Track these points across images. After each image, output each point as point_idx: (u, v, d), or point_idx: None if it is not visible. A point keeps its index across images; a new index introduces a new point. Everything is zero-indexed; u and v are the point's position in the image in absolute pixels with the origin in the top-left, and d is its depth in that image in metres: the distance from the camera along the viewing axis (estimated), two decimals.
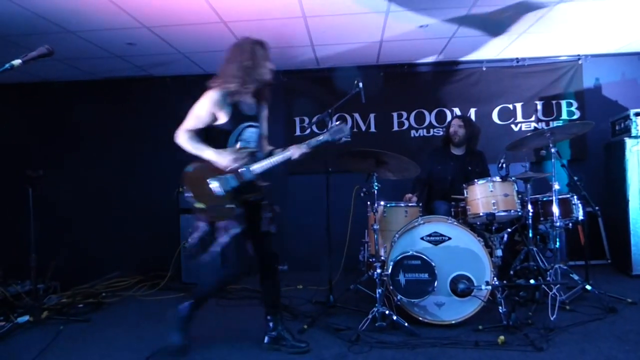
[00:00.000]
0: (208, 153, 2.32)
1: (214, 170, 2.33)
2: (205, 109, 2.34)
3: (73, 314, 3.35)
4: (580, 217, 3.42)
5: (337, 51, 4.31)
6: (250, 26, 3.60)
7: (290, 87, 4.91)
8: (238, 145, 2.37)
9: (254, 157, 2.41)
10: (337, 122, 2.50)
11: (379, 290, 2.79)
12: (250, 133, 2.44)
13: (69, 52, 3.99)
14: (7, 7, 3.06)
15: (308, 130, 4.89)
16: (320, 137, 2.47)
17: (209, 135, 2.43)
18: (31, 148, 4.95)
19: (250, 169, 2.36)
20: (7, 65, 1.75)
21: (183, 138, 2.36)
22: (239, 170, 2.34)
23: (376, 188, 3.04)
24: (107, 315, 3.43)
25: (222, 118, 2.35)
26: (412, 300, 2.77)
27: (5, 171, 4.72)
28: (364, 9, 3.35)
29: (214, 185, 2.32)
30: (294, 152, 2.43)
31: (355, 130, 4.85)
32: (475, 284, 2.74)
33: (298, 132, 4.93)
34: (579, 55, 4.62)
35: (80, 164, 4.94)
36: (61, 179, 4.59)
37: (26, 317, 3.10)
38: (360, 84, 3.21)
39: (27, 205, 3.22)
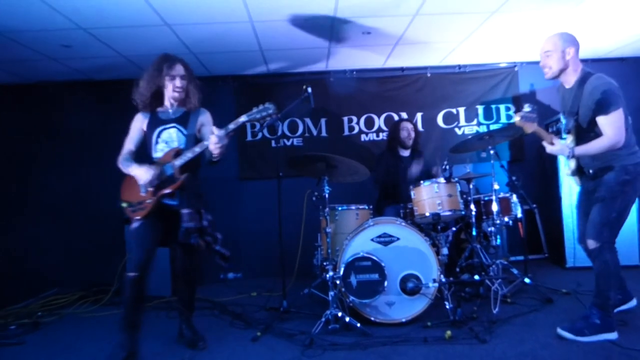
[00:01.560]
0: (133, 170, 2.52)
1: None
2: (133, 129, 2.66)
3: (4, 336, 3.09)
4: (519, 215, 3.64)
5: (286, 56, 4.32)
6: (197, 30, 3.54)
7: (241, 92, 4.86)
8: (159, 147, 2.55)
9: (179, 154, 2.51)
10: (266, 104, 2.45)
11: (332, 293, 2.82)
12: (169, 133, 2.58)
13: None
14: None
15: (259, 135, 4.87)
16: (240, 119, 2.47)
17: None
18: None
19: (174, 163, 2.48)
20: None
21: (119, 162, 2.60)
22: (161, 169, 2.49)
23: (327, 192, 3.08)
24: (43, 336, 3.19)
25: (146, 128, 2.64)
26: (364, 301, 2.82)
27: None
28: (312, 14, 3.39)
29: (141, 184, 2.51)
30: (212, 139, 2.38)
31: (307, 135, 4.88)
32: (424, 282, 2.84)
33: (249, 137, 4.88)
34: (515, 62, 4.92)
35: (18, 169, 4.63)
36: None
37: None
38: (309, 89, 3.25)
39: None
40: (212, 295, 4.00)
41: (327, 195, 3.10)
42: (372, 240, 2.90)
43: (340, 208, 3.46)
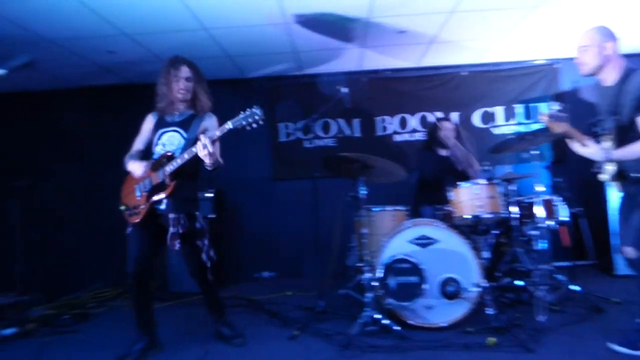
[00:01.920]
0: (130, 165, 2.56)
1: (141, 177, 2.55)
2: (143, 129, 2.71)
3: (60, 325, 3.26)
4: (565, 218, 3.48)
5: (320, 57, 4.32)
6: (233, 33, 3.59)
7: (274, 93, 4.90)
8: (157, 149, 2.55)
9: (171, 159, 2.48)
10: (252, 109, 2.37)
11: (369, 295, 2.78)
12: (168, 137, 2.58)
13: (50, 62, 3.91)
14: None
15: (293, 136, 4.89)
16: (225, 126, 2.38)
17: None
18: (18, 158, 4.83)
19: (165, 169, 2.45)
20: None
21: (125, 159, 2.63)
22: (155, 173, 2.48)
23: (363, 193, 3.05)
24: (94, 325, 3.37)
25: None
26: (402, 304, 2.77)
27: None
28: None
29: (137, 189, 2.54)
30: (198, 146, 2.34)
31: (340, 135, 4.87)
32: (464, 286, 2.76)
33: (283, 138, 4.91)
34: (555, 59, 4.74)
35: (67, 173, 4.82)
36: (47, 189, 4.48)
37: (12, 330, 3.01)
38: (344, 90, 3.24)
39: (12, 216, 3.14)
40: (248, 293, 4.05)
41: (363, 196, 3.07)
42: (410, 242, 2.85)
43: (375, 209, 3.42)
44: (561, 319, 2.84)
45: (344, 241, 3.85)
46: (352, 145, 4.75)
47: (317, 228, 3.45)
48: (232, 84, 4.91)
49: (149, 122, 2.70)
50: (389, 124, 4.86)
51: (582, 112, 4.35)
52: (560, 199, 3.49)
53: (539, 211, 3.16)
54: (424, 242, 2.84)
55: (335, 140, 4.87)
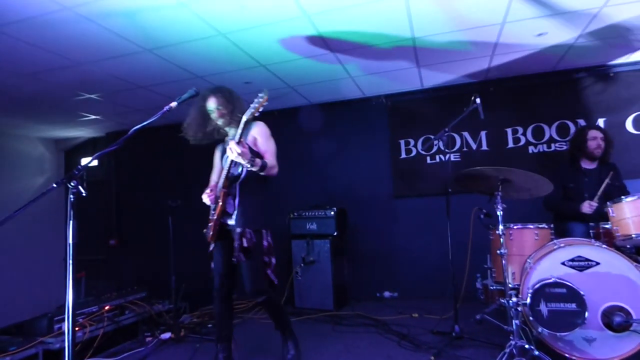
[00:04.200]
0: (203, 196, 2.70)
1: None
2: (214, 163, 2.91)
3: (205, 332, 3.59)
4: None
5: (443, 69, 4.21)
6: (357, 54, 3.69)
7: (394, 110, 4.89)
8: (223, 174, 2.62)
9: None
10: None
11: (516, 322, 2.53)
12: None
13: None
14: (147, 60, 3.54)
15: (414, 152, 4.81)
16: (241, 121, 2.44)
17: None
18: (171, 181, 5.59)
19: (219, 184, 2.62)
20: (166, 108, 1.99)
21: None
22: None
23: (500, 209, 2.83)
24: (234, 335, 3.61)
25: None
26: (556, 334, 2.47)
27: (151, 203, 5.21)
28: (476, 23, 3.24)
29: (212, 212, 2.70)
30: (228, 151, 2.43)
31: (465, 149, 4.64)
32: (635, 317, 2.36)
33: (403, 155, 4.85)
34: None
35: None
36: (194, 209, 5.03)
37: (168, 334, 3.41)
38: (478, 100, 3.08)
39: (168, 232, 3.59)
40: (371, 313, 4.02)
41: (500, 213, 2.84)
42: (563, 264, 2.55)
43: (515, 227, 3.15)
44: None
45: (475, 261, 3.61)
46: (479, 159, 4.49)
47: (443, 247, 3.28)
48: (352, 103, 5.04)
49: (217, 154, 2.89)
50: (522, 135, 4.48)
51: None
52: None
53: None
54: (581, 264, 2.51)
55: (460, 155, 4.65)
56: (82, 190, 1.59)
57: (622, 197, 2.72)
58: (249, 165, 2.43)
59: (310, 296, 4.36)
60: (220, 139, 2.84)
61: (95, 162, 5.03)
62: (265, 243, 2.66)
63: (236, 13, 2.91)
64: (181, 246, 3.86)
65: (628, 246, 2.75)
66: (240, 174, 2.59)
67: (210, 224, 2.66)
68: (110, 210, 6.06)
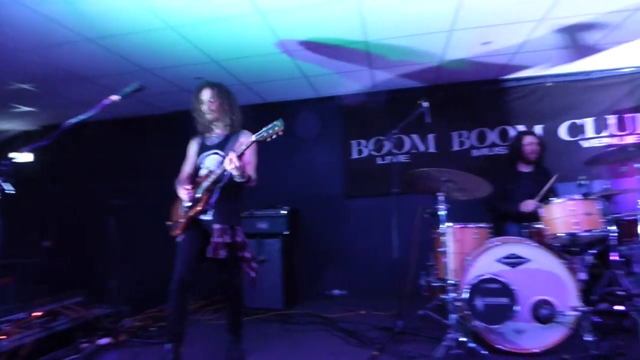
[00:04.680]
0: (179, 191, 2.70)
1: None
2: (189, 154, 2.85)
3: (147, 337, 3.45)
4: None
5: (395, 72, 4.32)
6: (308, 55, 3.72)
7: (347, 111, 4.97)
8: (201, 172, 2.67)
9: (209, 176, 2.60)
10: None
11: (454, 316, 2.67)
12: (210, 160, 2.70)
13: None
14: (91, 49, 3.37)
15: (365, 153, 4.91)
16: (250, 139, 2.46)
17: None
18: (114, 179, 5.32)
19: (202, 184, 2.61)
20: (106, 101, 1.91)
21: (176, 184, 2.76)
22: (195, 191, 2.64)
23: (443, 209, 2.96)
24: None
25: None
26: (490, 327, 2.62)
27: (92, 201, 4.98)
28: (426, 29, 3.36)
29: (182, 206, 2.69)
30: (226, 161, 2.44)
31: (413, 151, 4.80)
32: (559, 310, 2.56)
33: (355, 155, 4.94)
34: None
35: (156, 193, 5.23)
36: (140, 208, 4.84)
37: (107, 340, 3.25)
38: (425, 104, 3.20)
39: (110, 232, 3.42)
40: (321, 311, 4.06)
41: (443, 213, 2.97)
42: (498, 260, 2.71)
43: (456, 226, 3.30)
44: None
45: (420, 259, 3.75)
46: (426, 161, 4.65)
47: (392, 246, 3.38)
48: (305, 103, 5.07)
49: (193, 146, 2.85)
50: (466, 139, 4.71)
51: None
52: None
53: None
54: (514, 261, 2.69)
55: (408, 157, 4.80)
56: (8, 187, 1.49)
57: (552, 198, 2.93)
58: (239, 178, 2.47)
59: (259, 296, 4.32)
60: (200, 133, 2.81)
61: (29, 158, 4.80)
62: (239, 239, 2.66)
63: (186, 6, 2.85)
64: (125, 247, 3.71)
65: (557, 244, 2.97)
66: (224, 177, 2.61)
67: (179, 219, 2.66)
68: (45, 209, 5.70)
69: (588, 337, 2.50)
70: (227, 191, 2.64)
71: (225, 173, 2.56)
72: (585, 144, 4.49)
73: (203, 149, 2.76)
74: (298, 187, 5.03)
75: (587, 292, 3.11)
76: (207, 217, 2.62)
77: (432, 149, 4.76)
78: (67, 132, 1.78)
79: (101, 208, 3.67)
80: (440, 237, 2.95)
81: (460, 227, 3.29)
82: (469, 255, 2.91)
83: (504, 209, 3.64)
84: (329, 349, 3.01)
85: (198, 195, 2.62)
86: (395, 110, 4.66)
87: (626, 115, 4.41)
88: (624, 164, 3.13)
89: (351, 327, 3.50)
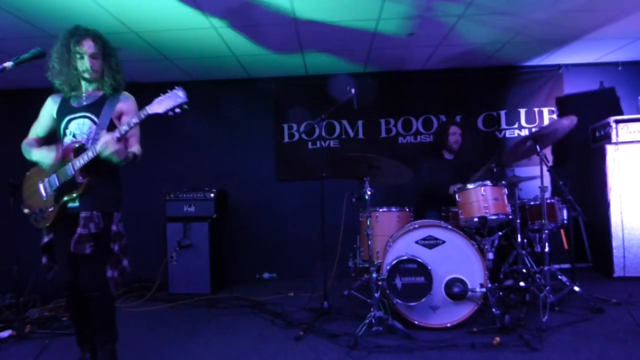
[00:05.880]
0: (35, 154, 2.21)
1: (43, 173, 2.21)
2: (42, 115, 2.31)
3: (57, 327, 3.21)
4: (565, 221, 3.52)
5: (326, 58, 4.33)
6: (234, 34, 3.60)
7: (279, 94, 4.91)
8: (66, 140, 2.19)
9: (82, 150, 2.13)
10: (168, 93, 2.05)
11: (376, 295, 2.79)
12: (77, 124, 2.20)
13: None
14: None
15: (296, 137, 4.90)
16: (142, 112, 2.06)
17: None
18: (16, 156, 4.77)
19: (73, 163, 2.12)
20: None
21: (22, 149, 2.27)
22: (62, 169, 2.15)
23: (368, 193, 3.06)
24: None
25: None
26: (409, 304, 2.78)
27: None
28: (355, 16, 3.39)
29: (41, 188, 2.21)
30: (99, 141, 2.05)
31: (343, 137, 4.88)
32: (470, 287, 2.78)
33: (286, 139, 4.92)
34: (559, 64, 4.78)
35: None
36: None
37: (9, 332, 2.97)
38: (353, 91, 3.25)
39: (9, 215, 3.06)
40: (249, 294, 4.05)
41: (368, 197, 3.08)
42: (416, 242, 2.87)
43: (381, 210, 3.44)
44: (563, 319, 2.87)
45: (348, 241, 3.86)
46: (355, 146, 4.76)
47: (322, 229, 3.44)
48: (237, 84, 4.92)
49: (49, 106, 2.29)
50: (393, 127, 4.88)
51: (584, 117, 4.41)
52: (561, 201, 3.53)
53: (544, 213, 3.19)
54: (431, 242, 2.86)
55: (338, 142, 4.88)
56: None
57: (467, 184, 3.15)
58: (119, 161, 2.09)
59: (186, 281, 4.21)
60: (60, 89, 2.24)
61: None
62: (114, 228, 2.21)
63: None
64: (29, 231, 3.36)
65: (469, 227, 3.20)
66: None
67: (45, 207, 2.17)
68: None
69: (494, 311, 2.76)
70: (101, 170, 2.16)
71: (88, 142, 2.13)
72: (500, 135, 4.86)
73: (67, 110, 2.22)
74: (230, 169, 4.91)
75: (495, 270, 3.42)
76: (75, 203, 2.15)
77: (361, 135, 4.88)
78: None
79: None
80: (366, 220, 3.05)
81: (384, 211, 3.43)
82: (391, 238, 3.05)
83: (436, 194, 3.79)
84: (255, 331, 3.02)
85: (70, 176, 2.12)
86: (326, 95, 4.69)
87: (536, 109, 4.83)
88: (528, 153, 3.42)
89: (279, 309, 3.53)
